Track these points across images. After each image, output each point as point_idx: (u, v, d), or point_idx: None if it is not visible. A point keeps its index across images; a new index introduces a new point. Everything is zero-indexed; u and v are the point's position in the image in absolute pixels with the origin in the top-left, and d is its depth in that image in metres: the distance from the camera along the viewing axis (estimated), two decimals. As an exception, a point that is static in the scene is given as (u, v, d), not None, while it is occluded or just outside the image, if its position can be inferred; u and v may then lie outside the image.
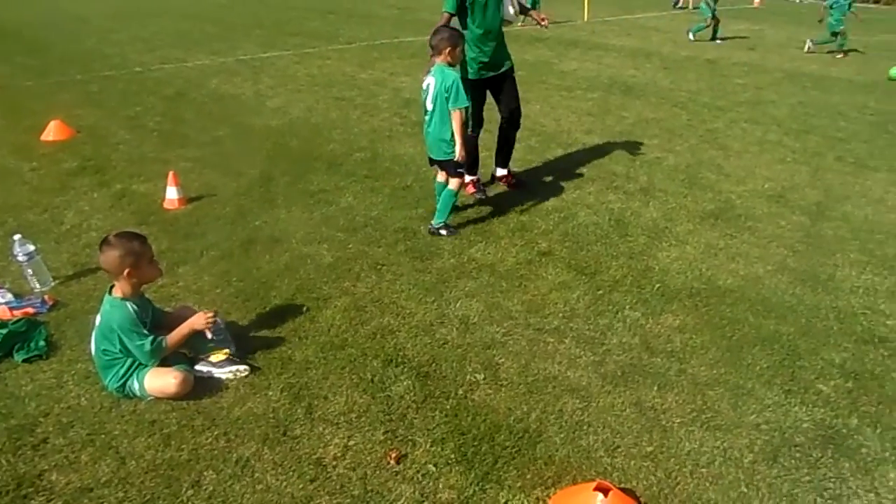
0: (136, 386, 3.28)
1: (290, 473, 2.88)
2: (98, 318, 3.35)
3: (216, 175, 6.45)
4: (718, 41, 15.05)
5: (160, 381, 3.25)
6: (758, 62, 12.91)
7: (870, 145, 7.58)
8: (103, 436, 3.08)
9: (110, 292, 3.32)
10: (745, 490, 2.83)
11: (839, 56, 12.65)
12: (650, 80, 11.20)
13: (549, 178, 6.43)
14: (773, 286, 4.49)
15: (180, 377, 3.25)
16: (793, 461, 2.99)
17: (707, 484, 2.86)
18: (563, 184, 6.28)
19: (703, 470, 2.94)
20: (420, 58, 12.97)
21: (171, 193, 5.70)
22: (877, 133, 8.09)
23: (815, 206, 5.83)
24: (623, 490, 2.71)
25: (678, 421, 3.23)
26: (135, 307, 3.29)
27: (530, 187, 6.17)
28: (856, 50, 13.62)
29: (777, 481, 2.88)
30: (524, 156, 7.07)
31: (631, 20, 20.03)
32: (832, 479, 2.89)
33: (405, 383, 3.47)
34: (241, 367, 3.50)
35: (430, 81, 5.00)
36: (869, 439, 3.13)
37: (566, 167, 6.76)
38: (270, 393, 3.39)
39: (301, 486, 2.81)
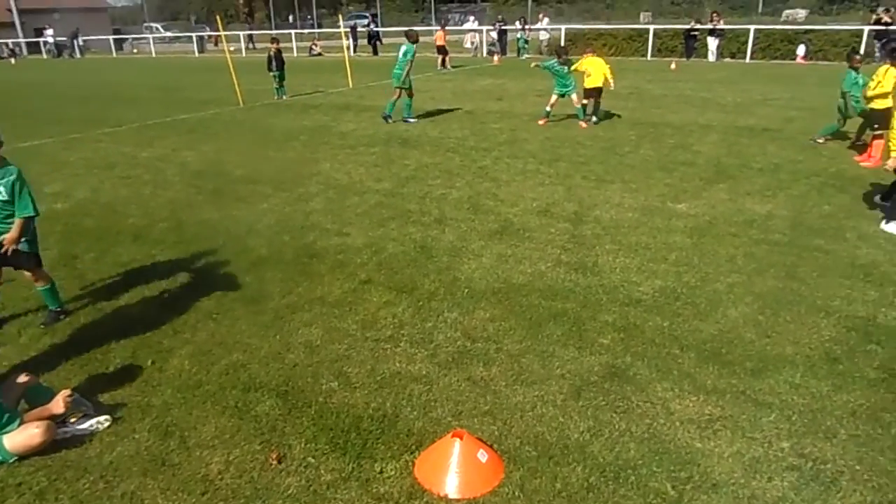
0: (-7, 453, 3.26)
1: (180, 494, 3.11)
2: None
3: (8, 262, 6.16)
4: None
5: (22, 435, 3.28)
6: (507, 109, 14.84)
7: (605, 165, 9.27)
8: (-30, 507, 3.05)
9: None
10: (562, 420, 3.60)
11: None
12: (422, 132, 12.41)
13: (354, 222, 7.03)
14: (554, 277, 5.49)
15: (43, 425, 3.31)
16: (592, 394, 3.84)
17: (534, 422, 3.59)
18: (367, 224, 6.93)
19: (529, 413, 3.67)
20: (198, 133, 13.08)
21: (-35, 284, 5.39)
22: (608, 156, 9.87)
23: (573, 214, 7.10)
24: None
25: (503, 384, 3.96)
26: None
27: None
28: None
29: (583, 410, 3.69)
30: (325, 206, 7.64)
31: (391, 83, 21.62)
32: (620, 400, 3.78)
33: (268, 403, 3.81)
34: (102, 419, 3.60)
35: None
36: (640, 369, 4.09)
37: (366, 211, 7.44)
38: (138, 435, 3.54)
39: (193, 500, 3.06)
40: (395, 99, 13.46)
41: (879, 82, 8.95)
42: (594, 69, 12.32)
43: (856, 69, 9.86)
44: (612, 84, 12.49)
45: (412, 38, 13.45)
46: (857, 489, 3.03)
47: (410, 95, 13.56)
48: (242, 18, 58.67)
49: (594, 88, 12.49)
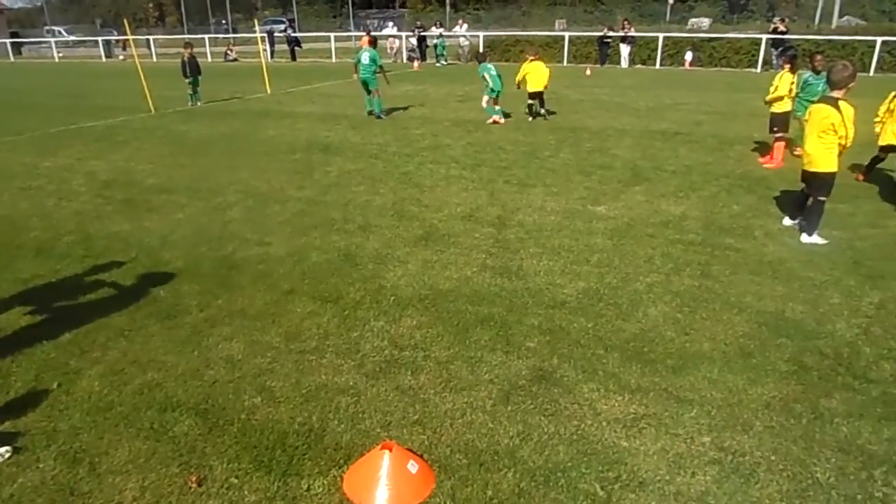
0: None
1: (91, 526, 2.90)
2: None
3: None
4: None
5: (-90, 480, 2.99)
6: (429, 115, 14.87)
7: (526, 170, 9.40)
8: None
9: None
10: (492, 426, 3.59)
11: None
12: (343, 138, 12.25)
13: (275, 231, 6.84)
14: (480, 282, 5.50)
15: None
16: (520, 398, 3.85)
17: (464, 430, 3.56)
18: (289, 233, 6.75)
19: (459, 421, 3.64)
20: (107, 141, 12.47)
21: None
22: (529, 160, 10.02)
23: (497, 219, 7.15)
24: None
25: (432, 392, 3.91)
26: None
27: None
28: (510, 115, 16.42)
29: (513, 414, 3.69)
30: (245, 215, 7.41)
31: (311, 89, 21.33)
32: (549, 403, 3.80)
33: (186, 422, 3.63)
34: (2, 450, 3.34)
35: None
36: (567, 371, 4.13)
37: (288, 219, 7.25)
38: (42, 465, 3.30)
39: (107, 532, 2.87)
40: (376, 98, 14.53)
41: (776, 87, 9.47)
42: (536, 73, 13.28)
43: (817, 71, 9.29)
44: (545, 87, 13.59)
45: (374, 43, 14.82)
46: (774, 479, 3.15)
47: (370, 93, 14.56)
48: (152, 22, 56.61)
49: (537, 91, 13.49)
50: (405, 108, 15.95)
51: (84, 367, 4.22)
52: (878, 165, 8.47)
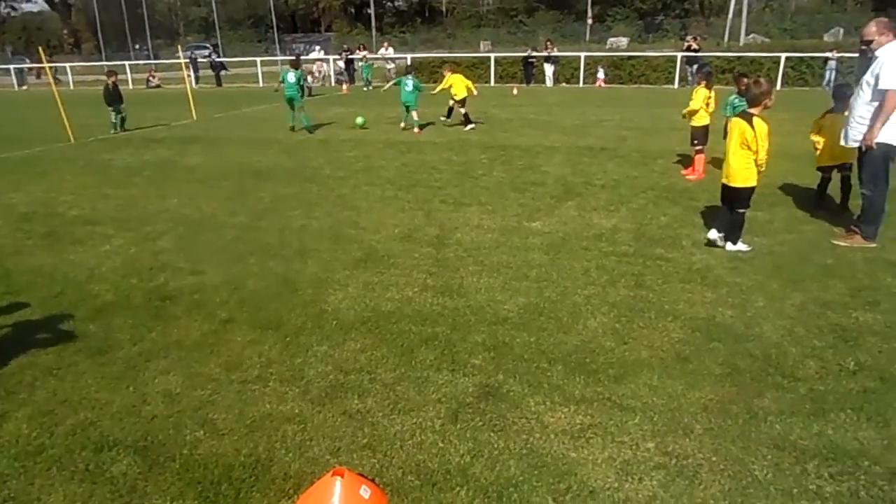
0: None
1: (27, 578, 2.74)
2: None
3: None
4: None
5: None
6: (361, 136, 14.87)
7: (461, 188, 9.51)
8: None
9: None
10: (442, 445, 3.59)
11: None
12: (275, 163, 12.10)
13: (209, 259, 6.66)
14: (422, 301, 5.51)
15: None
16: (469, 415, 3.86)
17: (414, 451, 3.55)
18: (224, 261, 6.60)
19: (409, 442, 3.62)
20: (23, 172, 11.94)
21: None
22: (463, 179, 10.14)
23: (435, 238, 7.19)
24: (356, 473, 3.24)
25: (380, 415, 3.89)
26: None
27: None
28: (431, 123, 16.58)
29: (462, 432, 3.70)
30: (176, 244, 7.20)
31: (239, 114, 21.03)
32: (497, 418, 3.83)
33: (125, 461, 3.48)
34: (-77, 505, 3.13)
35: None
36: (513, 385, 4.18)
37: (222, 247, 7.09)
38: (-31, 518, 3.10)
39: (44, 583, 2.71)
40: (302, 114, 15.66)
41: (693, 101, 9.92)
42: (459, 83, 15.25)
43: (742, 93, 9.04)
44: (475, 92, 15.78)
45: (297, 65, 16.18)
46: (716, 479, 3.26)
47: (294, 108, 15.74)
48: (68, 49, 54.72)
49: (463, 100, 15.31)
50: (336, 130, 15.91)
51: (10, 410, 4.00)
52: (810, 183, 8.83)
